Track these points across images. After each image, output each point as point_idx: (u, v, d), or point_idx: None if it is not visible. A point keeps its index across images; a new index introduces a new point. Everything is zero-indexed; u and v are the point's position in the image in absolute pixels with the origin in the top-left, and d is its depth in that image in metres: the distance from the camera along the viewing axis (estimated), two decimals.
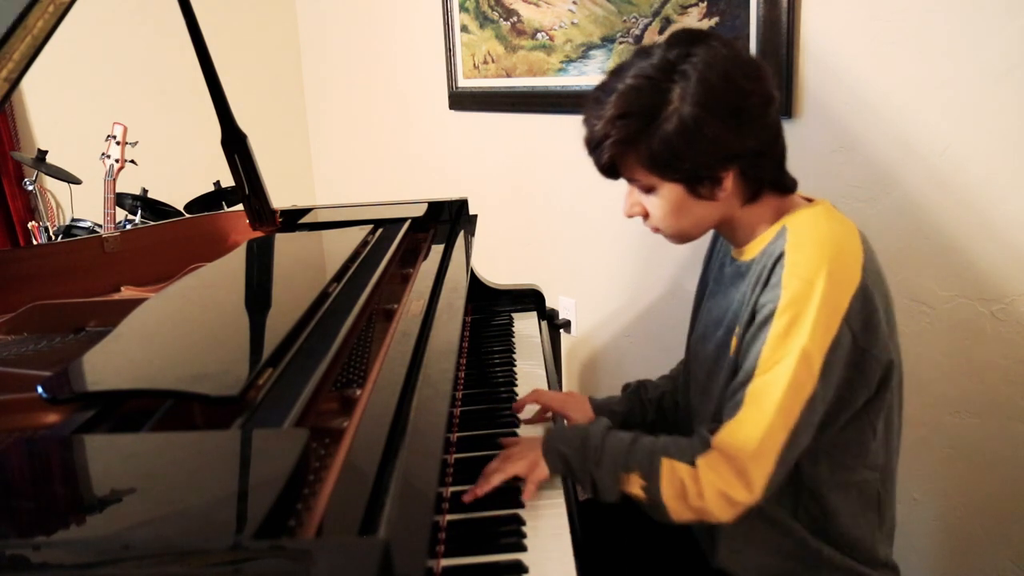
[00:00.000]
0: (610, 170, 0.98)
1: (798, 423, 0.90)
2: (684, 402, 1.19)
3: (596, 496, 0.99)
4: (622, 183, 1.03)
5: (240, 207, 1.67)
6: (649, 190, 0.97)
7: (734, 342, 0.99)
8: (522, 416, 1.22)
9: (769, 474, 0.91)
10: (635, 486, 0.96)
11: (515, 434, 1.17)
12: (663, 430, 1.25)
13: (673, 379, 1.30)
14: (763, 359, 0.91)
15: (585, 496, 1.04)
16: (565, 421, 1.22)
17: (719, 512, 0.93)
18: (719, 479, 0.92)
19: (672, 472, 0.94)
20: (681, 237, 1.02)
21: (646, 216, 1.02)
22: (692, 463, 0.94)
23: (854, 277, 0.91)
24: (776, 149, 0.97)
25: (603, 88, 0.95)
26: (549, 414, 1.24)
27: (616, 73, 0.95)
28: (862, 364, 0.93)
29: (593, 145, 0.96)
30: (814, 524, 1.01)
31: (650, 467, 0.96)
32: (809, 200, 1.03)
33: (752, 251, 1.01)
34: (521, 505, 0.98)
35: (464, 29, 2.45)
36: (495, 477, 0.99)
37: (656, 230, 1.02)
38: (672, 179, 0.94)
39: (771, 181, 0.98)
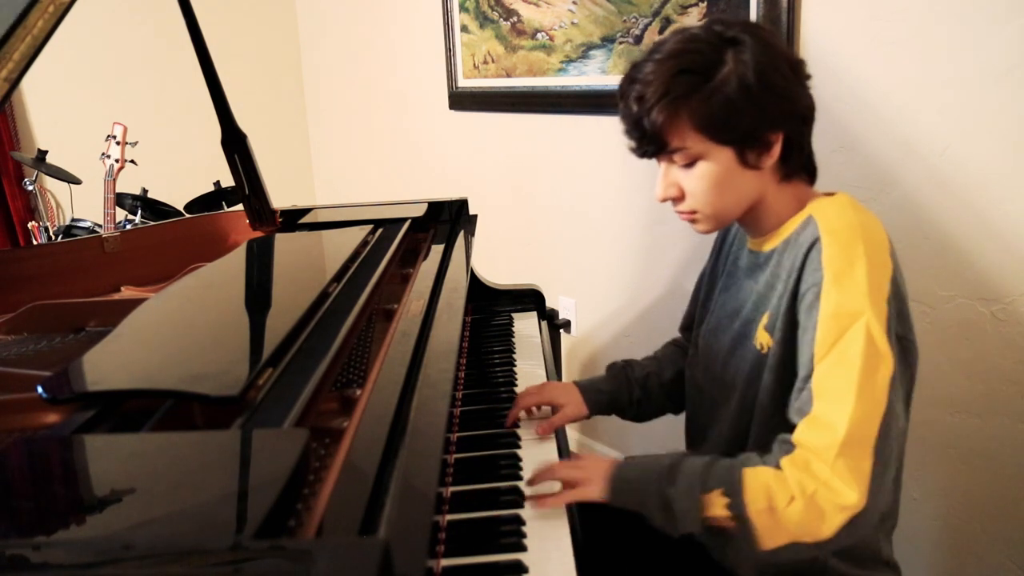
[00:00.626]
0: (656, 138, 0.93)
1: (887, 407, 0.83)
2: (692, 391, 1.18)
3: (672, 527, 0.90)
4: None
5: (240, 207, 1.67)
6: (692, 163, 0.95)
7: (762, 336, 0.97)
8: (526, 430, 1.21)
9: (870, 470, 0.82)
10: (718, 507, 0.87)
11: (516, 433, 1.17)
12: (647, 409, 1.26)
13: (658, 360, 1.30)
14: (819, 342, 0.87)
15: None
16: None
17: (818, 522, 0.82)
18: (811, 479, 0.83)
19: (755, 479, 0.86)
20: (717, 218, 0.99)
21: (681, 198, 0.98)
22: (776, 465, 0.87)
23: (887, 263, 0.90)
24: (813, 122, 0.98)
25: (642, 63, 0.94)
26: (544, 409, 1.22)
27: (656, 48, 0.94)
28: (905, 352, 0.91)
29: (645, 109, 0.92)
30: None
31: (731, 480, 0.88)
32: (829, 193, 1.03)
33: (775, 240, 1.00)
34: (521, 505, 0.98)
35: (464, 29, 2.45)
36: (545, 475, 0.98)
37: (691, 213, 0.99)
38: (725, 142, 0.92)
39: (805, 161, 0.99)
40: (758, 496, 0.86)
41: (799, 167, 0.98)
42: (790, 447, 0.88)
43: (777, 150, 0.94)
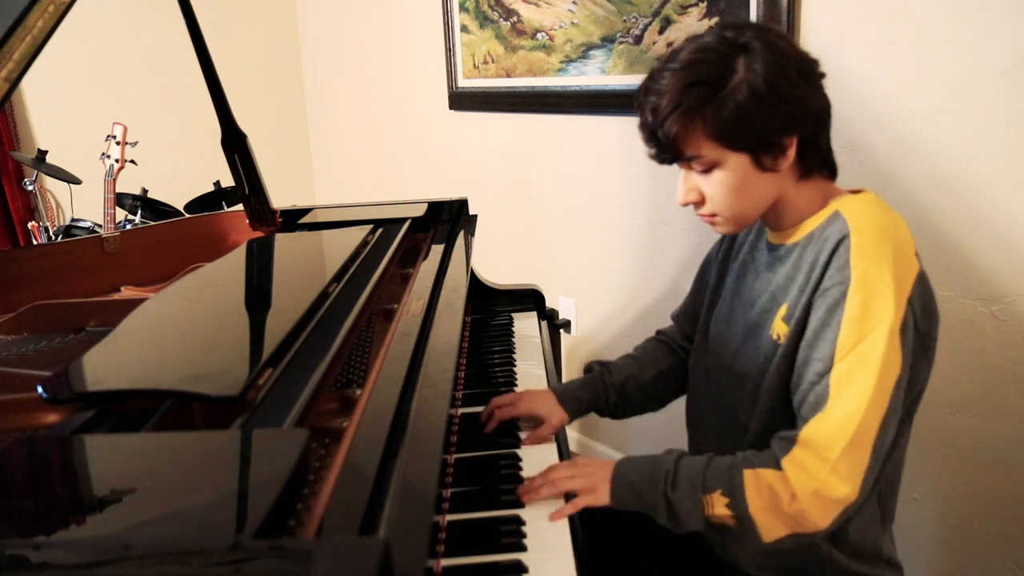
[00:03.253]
0: (672, 148, 0.95)
1: (889, 408, 0.87)
2: (697, 378, 1.18)
3: (675, 526, 0.94)
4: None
5: (240, 207, 1.67)
6: (710, 169, 0.96)
7: (779, 327, 0.98)
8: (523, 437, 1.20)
9: (866, 466, 0.87)
10: (719, 506, 0.91)
11: (516, 435, 1.17)
12: (625, 410, 1.27)
13: (638, 360, 1.29)
14: (842, 342, 0.88)
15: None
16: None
17: (817, 515, 0.88)
18: (811, 478, 0.87)
19: (757, 480, 0.90)
20: (738, 220, 1.00)
21: (701, 203, 1.00)
22: (777, 466, 0.90)
23: (913, 262, 0.92)
24: (829, 121, 0.98)
25: (658, 72, 0.95)
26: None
27: (670, 57, 0.95)
28: (925, 348, 0.93)
29: (659, 121, 0.94)
30: None
31: (731, 481, 0.91)
32: (855, 191, 1.03)
33: (796, 234, 1.01)
34: (521, 505, 0.98)
35: (464, 29, 2.45)
36: (544, 490, 0.97)
37: (712, 216, 1.01)
38: (740, 148, 0.93)
39: (823, 159, 0.99)
40: (760, 495, 0.90)
41: (817, 165, 0.99)
42: (789, 445, 0.91)
43: (792, 152, 0.95)
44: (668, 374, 1.28)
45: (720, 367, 1.10)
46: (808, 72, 0.94)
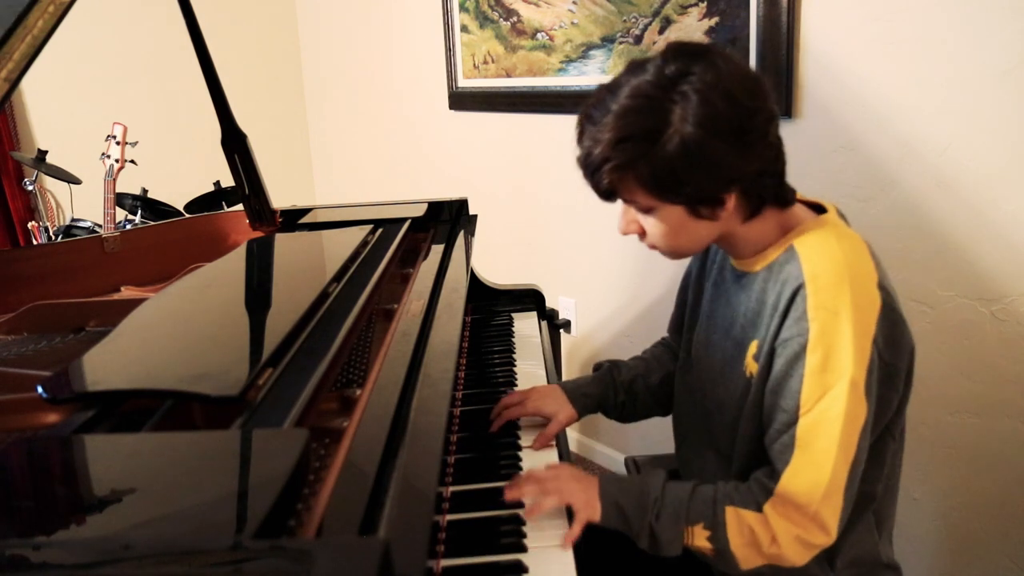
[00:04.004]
0: (608, 194, 0.94)
1: (857, 454, 0.89)
2: (683, 395, 1.18)
3: (655, 550, 0.95)
4: None
5: (240, 207, 1.67)
6: (648, 211, 0.94)
7: (751, 364, 0.97)
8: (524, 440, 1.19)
9: (840, 511, 0.90)
10: (700, 538, 0.93)
11: (516, 434, 1.17)
12: (632, 411, 1.26)
13: (646, 362, 1.29)
14: (805, 397, 0.89)
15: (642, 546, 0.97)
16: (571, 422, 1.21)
17: (795, 557, 0.91)
18: (792, 525, 0.90)
19: (738, 520, 0.92)
20: (678, 254, 1.00)
21: (643, 235, 0.99)
22: (759, 510, 0.92)
23: (875, 300, 0.89)
24: (778, 166, 0.94)
25: (596, 107, 0.91)
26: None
27: (611, 90, 0.90)
28: (891, 378, 0.92)
29: (591, 170, 0.92)
30: None
31: (714, 517, 0.93)
32: (813, 205, 1.01)
33: (758, 263, 0.99)
34: (521, 505, 0.98)
35: (464, 29, 2.45)
36: (548, 501, 0.95)
37: (653, 247, 1.00)
38: (673, 201, 0.91)
39: (772, 197, 0.96)
40: (740, 534, 0.92)
41: (763, 206, 0.95)
42: (768, 493, 0.92)
43: (731, 204, 0.91)
44: (674, 378, 1.27)
45: (703, 391, 1.10)
46: (746, 131, 0.87)
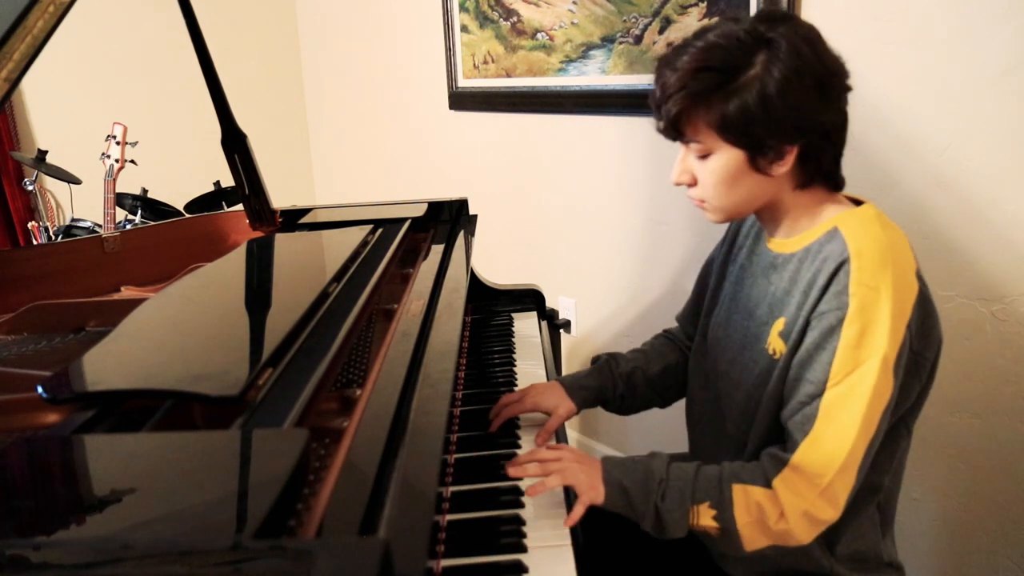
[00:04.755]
0: (673, 127, 0.94)
1: (876, 432, 0.89)
2: (696, 379, 1.18)
3: (660, 532, 0.94)
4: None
5: (240, 207, 1.67)
6: (706, 155, 0.95)
7: (776, 342, 0.97)
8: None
9: (850, 487, 0.89)
10: (706, 517, 0.92)
11: (516, 433, 1.17)
12: (631, 403, 1.26)
13: (645, 353, 1.29)
14: (836, 369, 0.89)
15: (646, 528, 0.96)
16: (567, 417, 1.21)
17: (802, 533, 0.91)
18: (801, 500, 0.89)
19: (746, 497, 0.91)
20: (726, 212, 0.99)
21: (693, 184, 0.99)
22: (768, 485, 0.91)
23: (913, 285, 0.90)
24: (841, 137, 0.96)
25: (683, 44, 0.93)
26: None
27: (699, 34, 0.93)
28: (916, 367, 0.93)
29: (664, 97, 0.92)
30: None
31: (720, 495, 0.92)
32: (856, 201, 1.02)
33: (794, 245, 0.99)
34: (521, 505, 0.98)
35: (464, 29, 2.45)
36: (551, 480, 0.95)
37: (701, 202, 0.99)
38: (737, 144, 0.92)
39: (826, 172, 0.97)
40: (748, 512, 0.91)
41: (816, 178, 0.97)
42: (781, 466, 0.91)
43: (791, 160, 0.93)
44: (675, 369, 1.27)
45: (717, 373, 1.10)
46: (827, 86, 0.90)
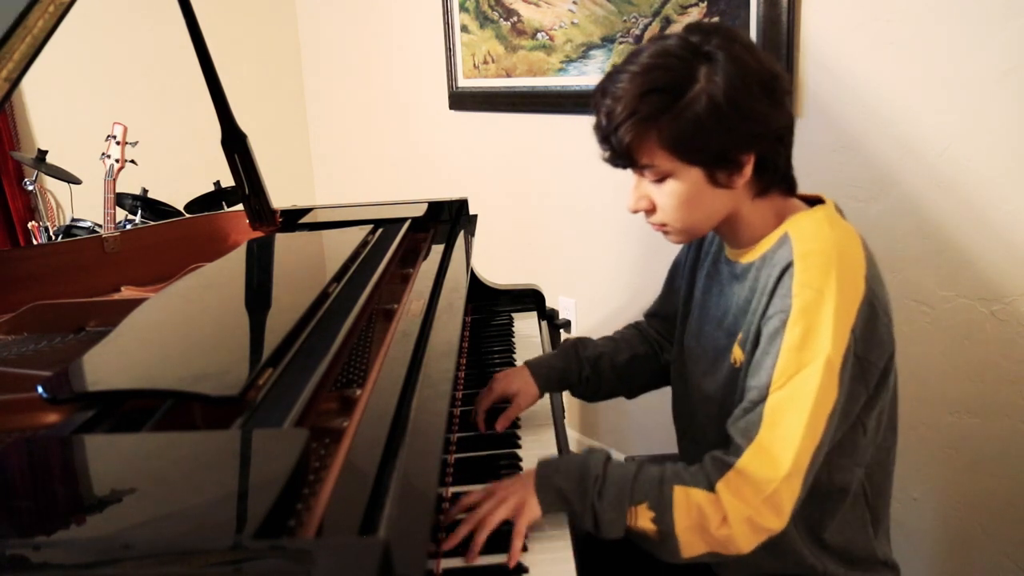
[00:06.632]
0: (626, 154, 0.93)
1: (823, 438, 0.87)
2: (678, 386, 1.18)
3: (598, 533, 0.91)
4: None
5: (240, 207, 1.67)
6: (662, 179, 0.94)
7: (736, 352, 0.97)
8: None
9: (796, 496, 0.87)
10: (644, 519, 0.89)
11: (516, 433, 1.17)
12: (596, 388, 1.25)
13: (615, 341, 1.29)
14: (779, 372, 0.87)
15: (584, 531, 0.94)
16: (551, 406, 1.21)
17: (743, 541, 0.87)
18: (745, 506, 0.86)
19: (687, 500, 0.88)
20: (688, 232, 0.99)
21: (652, 211, 0.98)
22: (711, 488, 0.88)
23: (859, 288, 0.89)
24: (791, 139, 0.96)
25: (617, 70, 0.92)
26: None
27: (629, 60, 0.92)
28: (863, 374, 0.91)
29: (612, 127, 0.91)
30: (809, 525, 1.00)
31: (660, 496, 0.89)
32: (812, 200, 1.01)
33: (751, 255, 0.99)
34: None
35: (464, 29, 2.45)
36: (482, 533, 0.88)
37: (662, 226, 0.99)
38: (694, 162, 0.91)
39: (781, 176, 0.97)
40: (688, 515, 0.88)
41: (774, 183, 0.96)
42: (725, 468, 0.89)
43: (749, 170, 0.92)
44: (643, 360, 1.27)
45: (694, 385, 1.10)
46: (771, 88, 0.90)
